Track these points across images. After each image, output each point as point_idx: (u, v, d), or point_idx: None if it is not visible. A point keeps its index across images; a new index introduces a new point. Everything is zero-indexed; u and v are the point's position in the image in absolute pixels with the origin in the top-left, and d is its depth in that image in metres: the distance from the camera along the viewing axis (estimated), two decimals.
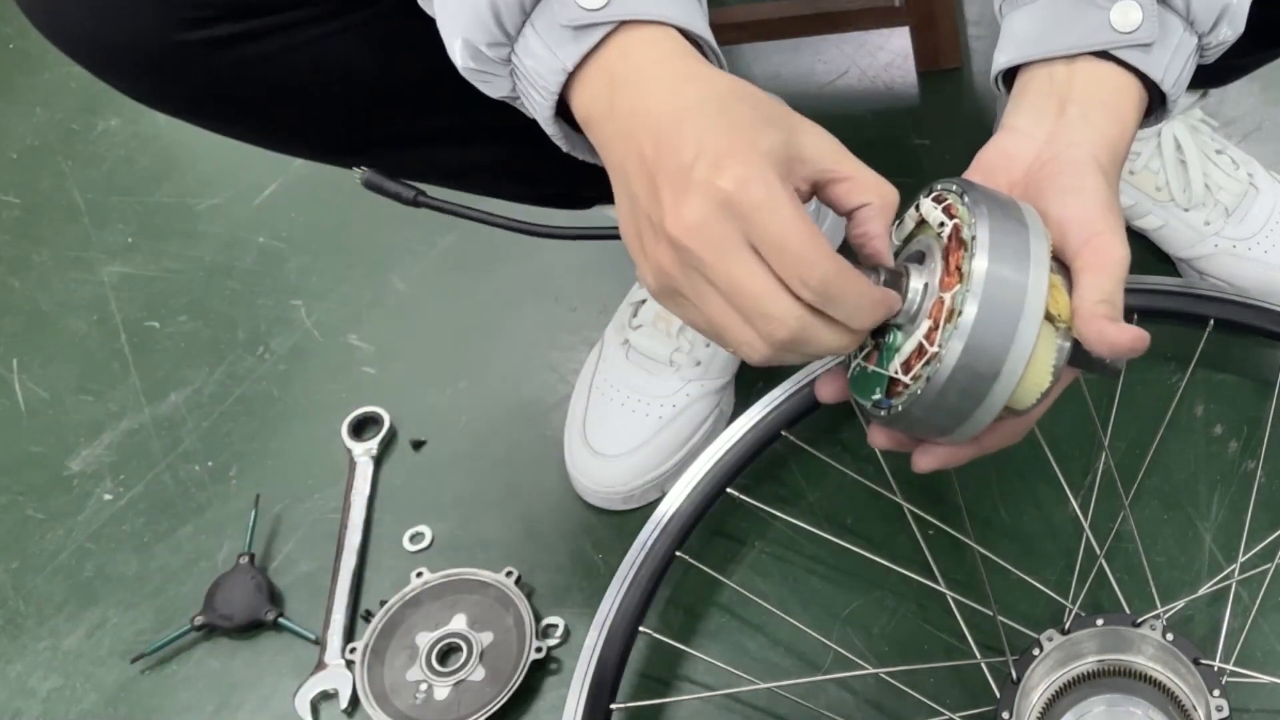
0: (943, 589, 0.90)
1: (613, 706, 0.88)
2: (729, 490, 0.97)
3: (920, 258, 0.59)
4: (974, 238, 0.55)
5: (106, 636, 1.05)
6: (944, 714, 0.87)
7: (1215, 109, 1.19)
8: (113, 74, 0.79)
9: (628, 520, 1.02)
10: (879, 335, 0.59)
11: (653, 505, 0.98)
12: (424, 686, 0.95)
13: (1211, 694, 0.80)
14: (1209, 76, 1.03)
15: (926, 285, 0.57)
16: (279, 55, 0.77)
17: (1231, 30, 0.65)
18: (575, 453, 1.04)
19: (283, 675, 1.00)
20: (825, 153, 0.58)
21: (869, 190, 0.59)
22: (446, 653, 0.97)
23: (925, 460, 0.61)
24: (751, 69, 1.37)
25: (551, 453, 1.07)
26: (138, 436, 1.17)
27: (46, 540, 1.11)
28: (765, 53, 1.37)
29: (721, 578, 0.97)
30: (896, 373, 0.57)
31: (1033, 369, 0.56)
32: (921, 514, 0.94)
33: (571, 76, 0.59)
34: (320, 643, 1.00)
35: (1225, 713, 0.79)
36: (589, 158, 0.65)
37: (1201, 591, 0.91)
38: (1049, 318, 0.56)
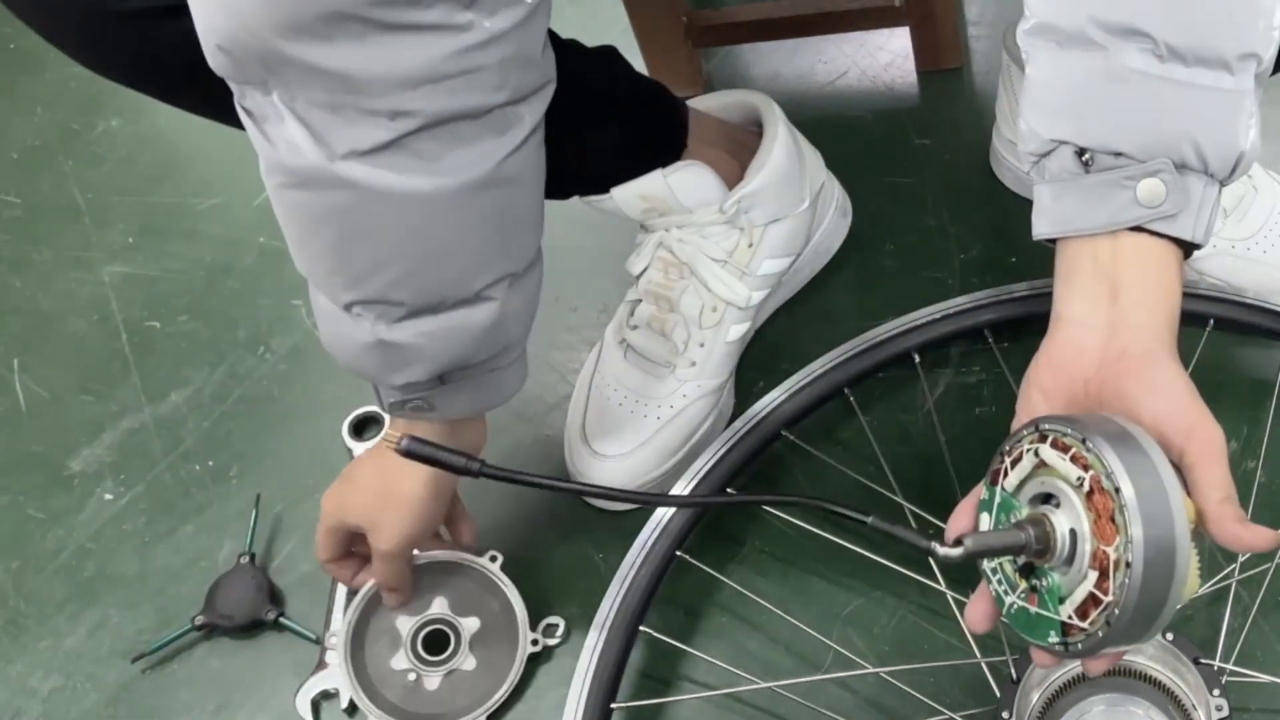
0: (943, 589, 0.90)
1: (613, 706, 0.88)
2: (729, 490, 0.97)
3: (1047, 498, 0.62)
4: (1118, 489, 0.58)
5: (107, 636, 1.05)
6: (944, 714, 0.87)
7: None
8: (56, 39, 0.81)
9: (628, 520, 1.02)
10: (1028, 575, 0.63)
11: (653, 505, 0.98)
12: (412, 675, 0.95)
13: (1211, 694, 0.80)
14: None
15: (1074, 531, 0.60)
16: None
17: (1249, 166, 0.67)
18: (575, 453, 1.04)
19: (283, 675, 1.00)
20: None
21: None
22: (432, 640, 0.97)
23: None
24: (751, 69, 1.37)
25: (551, 453, 1.07)
26: (138, 436, 1.17)
27: (47, 540, 1.11)
28: (765, 53, 1.37)
29: (721, 578, 0.97)
30: (1070, 618, 0.60)
31: (1189, 582, 0.60)
32: (922, 514, 0.94)
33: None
34: (321, 642, 1.00)
35: (1225, 712, 0.79)
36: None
37: (1201, 591, 0.91)
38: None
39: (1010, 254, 1.12)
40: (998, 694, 0.83)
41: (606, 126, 0.98)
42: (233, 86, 0.69)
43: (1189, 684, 0.81)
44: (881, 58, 1.34)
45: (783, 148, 1.04)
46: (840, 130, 1.24)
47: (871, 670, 0.90)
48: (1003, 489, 0.64)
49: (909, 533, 0.62)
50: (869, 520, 0.63)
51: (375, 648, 0.96)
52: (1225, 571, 0.92)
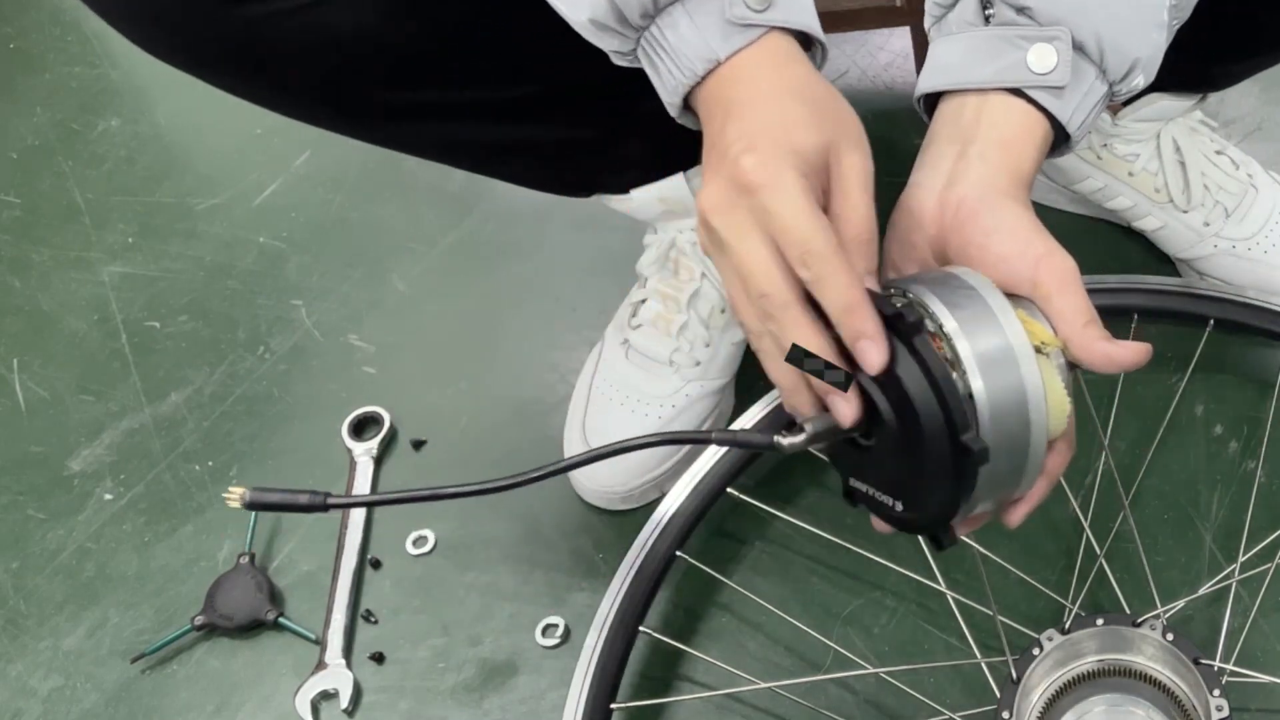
0: (943, 589, 0.90)
1: (613, 706, 0.88)
2: (729, 490, 0.97)
3: None
4: (941, 326, 0.57)
5: (107, 636, 1.05)
6: (944, 714, 0.87)
7: (1215, 109, 1.19)
8: (128, 24, 0.80)
9: (628, 520, 1.02)
10: None
11: (653, 505, 0.98)
12: None
13: (1211, 694, 0.80)
14: (1206, 82, 1.03)
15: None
16: (298, 12, 0.77)
17: (1144, 78, 0.67)
18: (575, 453, 1.04)
19: (283, 675, 1.00)
20: (849, 176, 0.62)
21: (850, 228, 0.62)
22: None
23: (1015, 515, 0.63)
24: None
25: (551, 453, 1.07)
26: (138, 436, 1.17)
27: (47, 540, 1.11)
28: None
29: (721, 578, 0.97)
30: None
31: (1053, 401, 0.59)
32: None
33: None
34: (321, 643, 1.00)
35: (1225, 712, 0.79)
36: (687, 123, 0.71)
37: (1201, 591, 0.91)
38: (1040, 351, 0.59)
39: None
40: (998, 694, 0.83)
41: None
42: None
43: (1189, 684, 0.81)
44: (881, 58, 1.34)
45: None
46: None
47: (871, 670, 0.90)
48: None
49: (749, 434, 0.61)
50: (712, 437, 0.63)
51: None
52: (1225, 572, 0.92)
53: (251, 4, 0.76)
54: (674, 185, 0.98)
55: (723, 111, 0.65)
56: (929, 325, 0.57)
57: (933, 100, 0.69)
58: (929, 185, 0.66)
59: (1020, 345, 0.57)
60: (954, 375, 0.57)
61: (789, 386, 0.63)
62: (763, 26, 0.65)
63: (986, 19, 0.65)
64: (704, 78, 0.66)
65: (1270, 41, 0.95)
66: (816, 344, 0.60)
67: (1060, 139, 0.67)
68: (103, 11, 0.79)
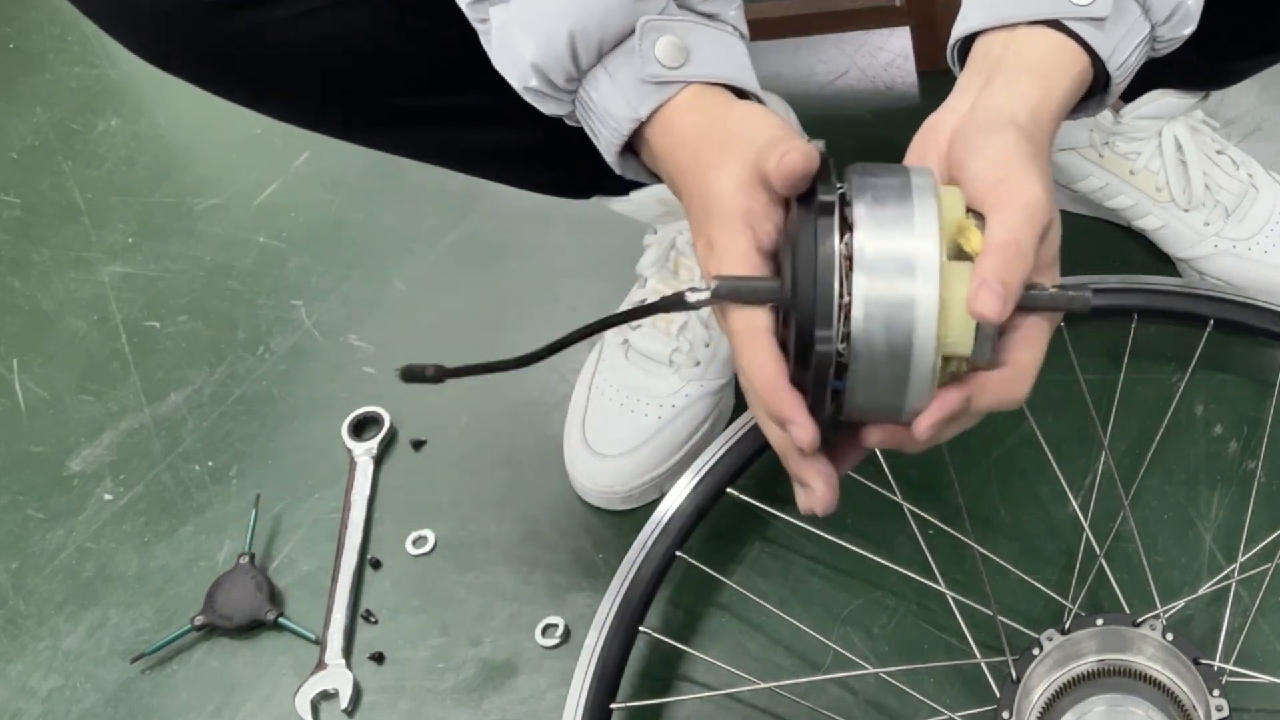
0: (943, 589, 0.90)
1: (613, 706, 0.88)
2: (729, 490, 0.97)
3: None
4: (851, 207, 0.55)
5: (107, 636, 1.05)
6: (944, 714, 0.87)
7: (1215, 109, 1.19)
8: (124, 30, 0.80)
9: (628, 520, 1.02)
10: None
11: (653, 505, 0.98)
12: None
13: (1211, 694, 0.80)
14: (1213, 79, 1.03)
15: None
16: (294, 20, 0.77)
17: (1186, 26, 0.66)
18: (575, 453, 1.04)
19: (283, 675, 1.00)
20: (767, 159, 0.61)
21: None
22: None
23: (918, 426, 0.58)
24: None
25: (551, 453, 1.07)
26: (138, 436, 1.17)
27: (47, 540, 1.11)
28: (765, 53, 1.37)
29: (721, 578, 0.97)
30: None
31: (953, 309, 0.55)
32: (921, 514, 0.94)
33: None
34: (320, 643, 1.00)
35: (1225, 712, 0.79)
36: (641, 179, 0.72)
37: (1201, 591, 0.91)
38: (964, 257, 0.56)
39: None
40: (998, 694, 0.83)
41: None
42: None
43: (1189, 684, 0.81)
44: (881, 58, 1.34)
45: None
46: (840, 130, 1.25)
47: (871, 670, 0.90)
48: None
49: (662, 300, 0.59)
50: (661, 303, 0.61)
51: None
52: (1225, 572, 0.92)
53: (244, 13, 0.76)
54: None
55: (668, 178, 0.67)
56: (848, 213, 0.55)
57: (965, 50, 0.67)
58: (953, 107, 0.64)
59: (923, 251, 0.54)
60: (842, 271, 0.54)
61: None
62: (679, 83, 0.65)
63: None
64: (635, 135, 0.67)
65: (1276, 40, 0.95)
66: (777, 440, 0.60)
67: (1098, 85, 0.65)
68: (97, 17, 0.80)
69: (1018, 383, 0.59)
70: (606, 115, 0.67)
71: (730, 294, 0.58)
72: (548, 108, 0.70)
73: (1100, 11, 0.62)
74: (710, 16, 0.68)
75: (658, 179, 0.71)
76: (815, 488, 0.61)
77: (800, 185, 0.58)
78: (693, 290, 0.58)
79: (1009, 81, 0.63)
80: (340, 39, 0.79)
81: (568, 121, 0.71)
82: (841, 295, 0.54)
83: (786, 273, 0.58)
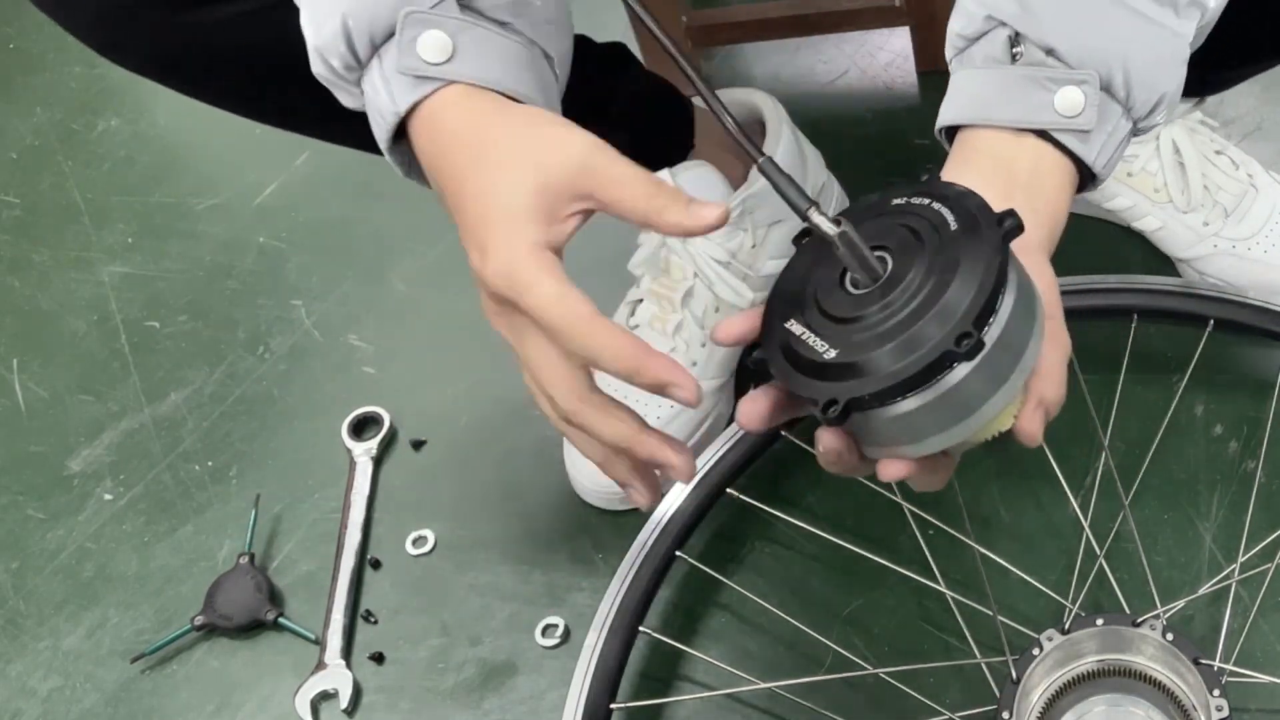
0: (943, 589, 0.90)
1: (613, 706, 0.88)
2: (729, 490, 0.97)
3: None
4: (1003, 294, 0.56)
5: (106, 636, 1.05)
6: (944, 714, 0.87)
7: (1215, 109, 1.19)
8: (73, 25, 0.80)
9: (628, 520, 1.02)
10: None
11: None
12: None
13: (1211, 694, 0.80)
14: (1201, 86, 1.03)
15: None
16: (238, 19, 0.78)
17: (1166, 114, 0.67)
18: (575, 453, 1.04)
19: (283, 675, 1.00)
20: (606, 172, 0.61)
21: (631, 193, 0.61)
22: None
23: (893, 470, 0.61)
24: (751, 69, 1.37)
25: (551, 453, 1.07)
26: (138, 436, 1.17)
27: (47, 540, 1.11)
28: (765, 53, 1.37)
29: (721, 578, 0.97)
30: None
31: (1005, 414, 0.59)
32: (921, 514, 0.94)
33: (405, 116, 0.65)
34: (320, 643, 1.00)
35: (1225, 713, 0.79)
36: (423, 183, 0.69)
37: (1201, 591, 0.91)
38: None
39: None
40: (998, 694, 0.83)
41: (616, 125, 0.98)
42: None
43: (1189, 684, 0.81)
44: (881, 58, 1.34)
45: (786, 148, 1.04)
46: (840, 130, 1.24)
47: (871, 671, 0.90)
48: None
49: (789, 196, 0.59)
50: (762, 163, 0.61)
51: None
52: (1225, 572, 0.92)
53: (199, 9, 0.77)
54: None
55: (439, 183, 0.65)
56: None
57: (953, 130, 0.69)
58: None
59: (1025, 361, 0.58)
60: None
61: (603, 460, 0.65)
62: (438, 80, 0.64)
63: (1014, 57, 0.65)
64: (399, 132, 0.65)
65: (1263, 49, 0.95)
66: (619, 430, 0.61)
67: (1087, 178, 0.67)
68: (59, 18, 0.80)
69: (950, 472, 0.65)
70: (374, 107, 0.66)
71: (849, 244, 0.57)
72: (342, 98, 0.68)
73: (1085, 124, 0.64)
74: (501, 24, 0.66)
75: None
76: (677, 460, 0.62)
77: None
78: (820, 213, 0.58)
79: (1030, 203, 0.63)
80: (286, 38, 0.80)
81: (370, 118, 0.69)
82: (983, 330, 0.55)
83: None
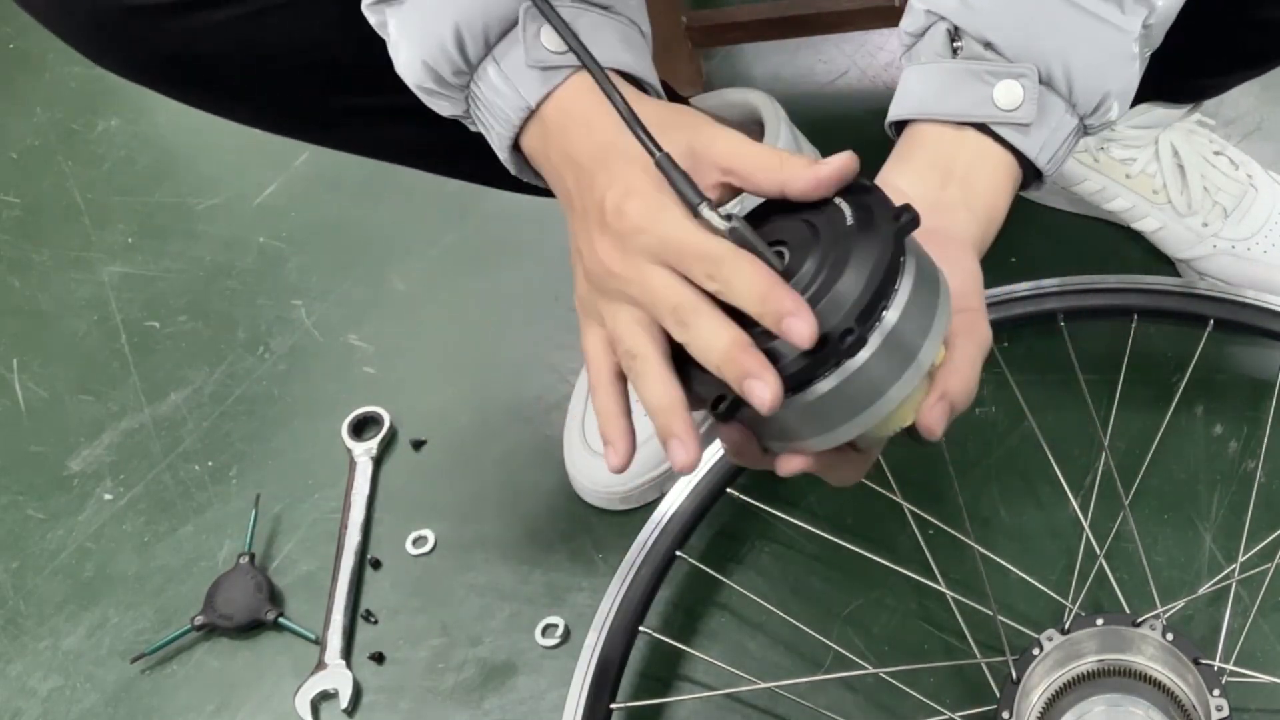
0: (943, 589, 0.90)
1: (613, 706, 0.88)
2: (729, 490, 0.97)
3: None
4: (896, 290, 0.56)
5: (107, 636, 1.05)
6: (944, 714, 0.87)
7: (1214, 109, 1.19)
8: (65, 31, 0.81)
9: (628, 520, 1.02)
10: None
11: (653, 505, 0.98)
12: None
13: (1211, 694, 0.80)
14: (1193, 93, 1.04)
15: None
16: (231, 24, 0.77)
17: (1119, 109, 0.66)
18: (575, 453, 1.04)
19: (283, 675, 1.00)
20: (727, 149, 0.61)
21: (769, 174, 0.61)
22: None
23: (790, 464, 0.60)
24: (751, 69, 1.37)
25: (551, 453, 1.07)
26: (138, 436, 1.17)
27: (47, 540, 1.11)
28: (765, 53, 1.37)
29: (721, 578, 0.97)
30: None
31: (904, 408, 0.58)
32: (921, 514, 0.94)
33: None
34: (320, 643, 1.00)
35: (1225, 712, 0.79)
36: (534, 181, 0.70)
37: (1201, 591, 0.91)
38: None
39: (1009, 254, 1.12)
40: (998, 694, 0.83)
41: None
42: None
43: (1189, 684, 0.81)
44: (881, 58, 1.34)
45: (784, 147, 1.04)
46: (840, 130, 1.24)
47: (871, 671, 0.90)
48: None
49: (678, 181, 0.58)
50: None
51: None
52: (1225, 572, 0.92)
53: (190, 15, 0.76)
54: None
55: (571, 167, 0.64)
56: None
57: (901, 126, 0.69)
58: (913, 196, 0.63)
59: (925, 354, 0.57)
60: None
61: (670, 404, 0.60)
62: (568, 68, 0.64)
63: (954, 51, 0.65)
64: (525, 128, 0.65)
65: (1251, 56, 0.95)
66: (730, 335, 0.56)
67: (1032, 174, 0.67)
68: (51, 26, 0.80)
69: (867, 466, 0.64)
70: (495, 107, 0.66)
71: (742, 241, 0.58)
72: (442, 108, 0.68)
73: (1024, 117, 0.63)
74: (604, 8, 0.66)
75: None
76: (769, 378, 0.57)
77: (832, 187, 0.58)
78: (711, 209, 0.58)
79: (965, 198, 0.64)
80: (277, 43, 0.79)
81: (467, 125, 0.69)
82: (868, 325, 0.55)
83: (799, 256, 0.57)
